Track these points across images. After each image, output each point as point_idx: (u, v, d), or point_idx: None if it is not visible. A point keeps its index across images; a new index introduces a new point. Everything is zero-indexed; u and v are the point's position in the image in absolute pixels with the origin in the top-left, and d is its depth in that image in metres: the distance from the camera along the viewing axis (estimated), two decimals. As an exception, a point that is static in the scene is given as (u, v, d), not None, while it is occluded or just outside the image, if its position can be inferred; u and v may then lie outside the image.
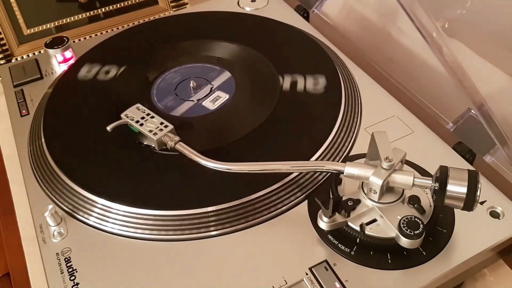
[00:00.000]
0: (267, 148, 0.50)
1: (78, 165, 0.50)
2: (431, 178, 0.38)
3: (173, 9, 0.83)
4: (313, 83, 0.57)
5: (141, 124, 0.50)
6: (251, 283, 0.40)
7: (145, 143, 0.51)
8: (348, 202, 0.40)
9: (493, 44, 0.53)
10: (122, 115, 0.51)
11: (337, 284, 0.39)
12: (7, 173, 0.58)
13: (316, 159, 0.48)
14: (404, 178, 0.39)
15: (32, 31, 0.76)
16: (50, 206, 0.45)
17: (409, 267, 0.39)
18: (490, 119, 0.48)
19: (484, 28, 0.54)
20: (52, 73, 0.65)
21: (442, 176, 0.37)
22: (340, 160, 0.49)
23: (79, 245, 0.44)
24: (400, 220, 0.38)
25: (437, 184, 0.37)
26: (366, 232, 0.40)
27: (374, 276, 0.39)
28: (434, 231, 0.41)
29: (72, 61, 0.66)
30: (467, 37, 0.55)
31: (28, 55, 0.75)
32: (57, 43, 0.66)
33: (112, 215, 0.45)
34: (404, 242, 0.38)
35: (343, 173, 0.41)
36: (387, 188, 0.40)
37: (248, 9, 0.74)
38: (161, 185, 0.47)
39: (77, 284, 0.41)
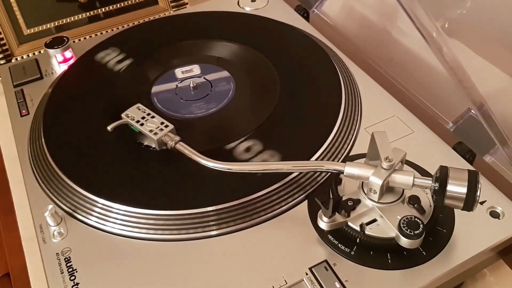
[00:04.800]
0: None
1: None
2: (431, 178, 0.38)
3: (173, 9, 0.83)
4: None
5: (142, 124, 0.50)
6: (251, 283, 0.40)
7: (145, 143, 0.51)
8: (348, 202, 0.40)
9: (493, 44, 0.53)
10: (123, 115, 0.51)
11: (337, 284, 0.39)
12: (7, 173, 0.58)
13: (316, 159, 0.48)
14: (404, 178, 0.39)
15: (32, 31, 0.76)
16: (50, 206, 0.45)
17: (409, 267, 0.39)
18: (490, 119, 0.48)
19: (484, 28, 0.54)
20: (52, 73, 0.65)
21: (442, 176, 0.37)
22: (340, 160, 0.49)
23: (79, 245, 0.44)
24: (400, 220, 0.38)
25: (437, 184, 0.37)
26: (366, 232, 0.40)
27: (374, 276, 0.39)
28: (434, 231, 0.41)
29: (72, 61, 0.66)
30: (467, 37, 0.55)
31: (28, 55, 0.75)
32: (57, 43, 0.66)
33: (112, 215, 0.45)
34: (404, 242, 0.38)
35: (343, 173, 0.41)
36: (387, 188, 0.40)
37: (248, 9, 0.74)
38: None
39: (77, 284, 0.41)
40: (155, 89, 0.59)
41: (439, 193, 0.37)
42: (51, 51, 0.65)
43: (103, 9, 0.80)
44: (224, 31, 0.67)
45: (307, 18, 0.74)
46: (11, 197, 0.55)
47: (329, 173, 0.46)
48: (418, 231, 0.37)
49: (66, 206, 0.47)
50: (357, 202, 0.41)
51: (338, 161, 0.49)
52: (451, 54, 0.50)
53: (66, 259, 0.42)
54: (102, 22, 0.80)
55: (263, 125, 0.52)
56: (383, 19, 0.68)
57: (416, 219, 0.38)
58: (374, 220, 0.40)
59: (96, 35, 0.78)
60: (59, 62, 0.66)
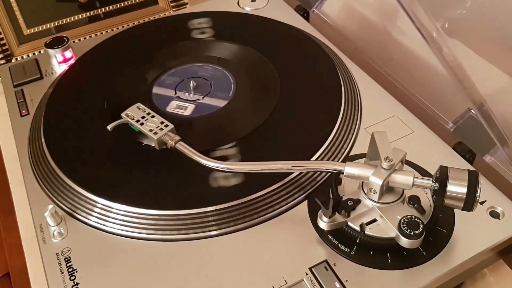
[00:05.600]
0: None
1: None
2: (431, 178, 0.38)
3: (173, 9, 0.83)
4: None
5: (142, 124, 0.50)
6: (251, 283, 0.40)
7: (145, 143, 0.51)
8: (348, 202, 0.40)
9: (493, 44, 0.53)
10: (123, 115, 0.51)
11: (337, 284, 0.39)
12: (7, 173, 0.58)
13: (316, 159, 0.48)
14: (404, 178, 0.39)
15: (32, 31, 0.76)
16: (50, 206, 0.45)
17: (409, 267, 0.39)
18: (490, 119, 0.48)
19: (484, 28, 0.54)
20: (52, 73, 0.65)
21: (442, 176, 0.37)
22: (340, 160, 0.49)
23: (79, 245, 0.44)
24: (400, 220, 0.38)
25: (437, 184, 0.37)
26: (366, 232, 0.40)
27: (374, 276, 0.39)
28: (434, 231, 0.41)
29: (72, 61, 0.66)
30: (467, 37, 0.55)
31: (28, 55, 0.75)
32: (57, 43, 0.66)
33: (112, 215, 0.45)
34: (404, 242, 0.38)
35: (343, 173, 0.41)
36: (387, 188, 0.40)
37: (248, 9, 0.74)
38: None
39: (77, 284, 0.41)
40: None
41: (439, 193, 0.37)
42: (51, 51, 0.65)
43: (103, 9, 0.80)
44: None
45: (307, 18, 0.74)
46: (11, 197, 0.55)
47: (329, 173, 0.46)
48: (418, 231, 0.37)
49: (66, 206, 0.47)
50: (357, 202, 0.41)
51: (338, 161, 0.49)
52: (451, 54, 0.50)
53: (66, 259, 0.42)
54: (102, 22, 0.80)
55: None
56: (383, 19, 0.68)
57: (416, 219, 0.38)
58: (374, 220, 0.40)
59: (96, 35, 0.78)
60: (59, 62, 0.66)
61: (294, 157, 0.46)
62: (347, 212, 0.40)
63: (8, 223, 0.54)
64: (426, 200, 0.41)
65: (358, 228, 0.40)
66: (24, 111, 0.59)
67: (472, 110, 0.53)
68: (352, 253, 0.40)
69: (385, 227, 0.39)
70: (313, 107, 0.54)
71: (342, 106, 0.53)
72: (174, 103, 0.57)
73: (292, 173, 0.46)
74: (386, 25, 0.67)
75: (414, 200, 0.41)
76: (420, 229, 0.37)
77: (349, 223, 0.40)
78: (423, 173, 0.45)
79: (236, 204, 0.44)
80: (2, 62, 0.73)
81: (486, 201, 0.44)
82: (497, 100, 0.50)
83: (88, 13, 0.79)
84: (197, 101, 0.57)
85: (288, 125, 0.52)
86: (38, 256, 0.44)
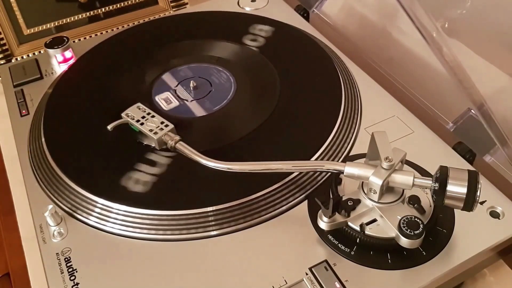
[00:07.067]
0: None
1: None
2: (431, 178, 0.38)
3: (173, 9, 0.83)
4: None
5: (142, 123, 0.50)
6: (251, 283, 0.40)
7: (145, 143, 0.51)
8: (348, 202, 0.40)
9: (493, 44, 0.53)
10: (123, 114, 0.51)
11: (337, 284, 0.39)
12: (7, 173, 0.58)
13: (316, 159, 0.48)
14: (404, 178, 0.39)
15: (32, 31, 0.76)
16: (50, 206, 0.45)
17: (409, 267, 0.39)
18: (490, 119, 0.48)
19: (484, 28, 0.54)
20: (52, 73, 0.65)
21: (442, 176, 0.37)
22: (340, 160, 0.49)
23: (79, 245, 0.44)
24: (400, 220, 0.38)
25: (437, 184, 0.37)
26: (366, 232, 0.40)
27: (374, 276, 0.39)
28: (434, 231, 0.41)
29: (72, 61, 0.66)
30: (467, 37, 0.55)
31: (28, 55, 0.75)
32: (57, 43, 0.66)
33: (112, 215, 0.45)
34: (404, 242, 0.38)
35: (343, 173, 0.41)
36: (387, 188, 0.40)
37: (248, 9, 0.74)
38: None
39: (77, 284, 0.41)
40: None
41: (439, 193, 0.37)
42: (51, 51, 0.65)
43: (103, 9, 0.80)
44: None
45: (307, 18, 0.74)
46: (11, 197, 0.55)
47: (329, 173, 0.46)
48: (418, 231, 0.37)
49: (66, 206, 0.47)
50: (357, 202, 0.41)
51: (338, 161, 0.49)
52: (451, 54, 0.50)
53: (66, 259, 0.42)
54: (102, 22, 0.80)
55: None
56: (383, 19, 0.68)
57: (416, 219, 0.38)
58: (374, 220, 0.40)
59: (96, 35, 0.78)
60: (59, 62, 0.66)
61: (294, 157, 0.46)
62: (347, 212, 0.40)
63: (8, 223, 0.54)
64: (426, 200, 0.41)
65: (358, 228, 0.40)
66: (24, 111, 0.59)
67: (472, 110, 0.53)
68: (352, 253, 0.40)
69: (385, 227, 0.39)
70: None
71: (342, 106, 0.53)
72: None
73: (292, 173, 0.46)
74: (386, 25, 0.67)
75: (414, 200, 0.41)
76: (420, 229, 0.37)
77: (349, 223, 0.40)
78: (423, 173, 0.45)
79: (236, 204, 0.44)
80: (2, 62, 0.73)
81: (486, 201, 0.44)
82: (497, 100, 0.50)
83: (88, 13, 0.79)
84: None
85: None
86: (38, 256, 0.44)
